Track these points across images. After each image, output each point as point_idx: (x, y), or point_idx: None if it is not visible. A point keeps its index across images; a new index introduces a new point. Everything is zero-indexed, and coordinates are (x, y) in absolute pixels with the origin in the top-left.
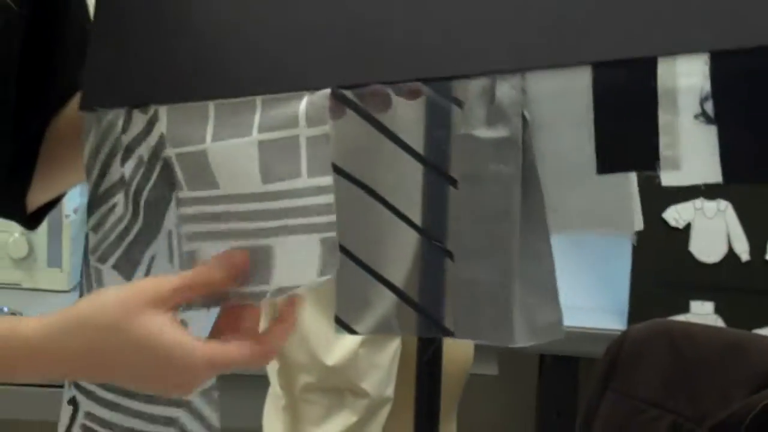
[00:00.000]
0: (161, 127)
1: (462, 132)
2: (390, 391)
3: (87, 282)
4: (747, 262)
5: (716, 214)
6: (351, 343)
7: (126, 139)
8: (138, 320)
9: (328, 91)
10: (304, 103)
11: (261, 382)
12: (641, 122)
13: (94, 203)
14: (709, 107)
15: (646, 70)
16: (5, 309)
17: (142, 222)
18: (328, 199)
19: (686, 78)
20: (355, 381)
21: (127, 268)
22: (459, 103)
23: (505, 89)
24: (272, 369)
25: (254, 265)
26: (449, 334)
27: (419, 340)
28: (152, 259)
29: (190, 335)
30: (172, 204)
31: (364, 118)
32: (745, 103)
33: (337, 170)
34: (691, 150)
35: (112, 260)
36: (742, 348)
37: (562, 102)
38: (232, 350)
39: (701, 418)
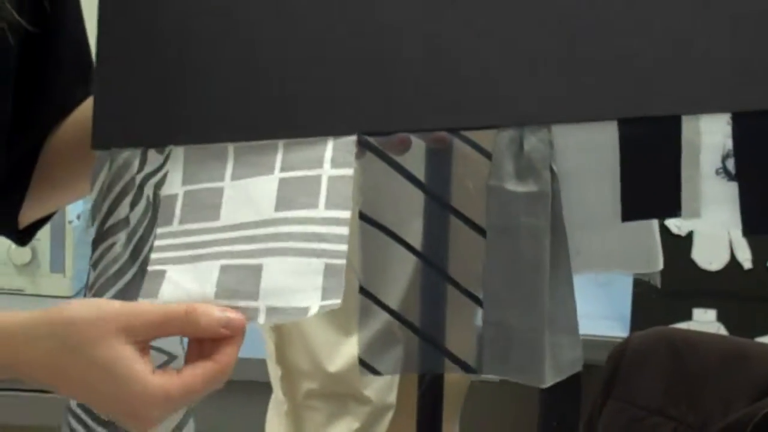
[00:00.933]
0: (172, 165)
1: (492, 183)
2: (392, 398)
3: None
4: (749, 270)
5: None
6: (353, 350)
7: (139, 178)
8: (102, 344)
9: (354, 137)
10: (329, 149)
11: (264, 389)
12: (665, 175)
13: (97, 240)
14: (731, 164)
15: (671, 126)
16: None
17: (139, 268)
18: (343, 230)
19: (709, 135)
20: (357, 387)
21: None
22: (487, 155)
23: (533, 142)
24: (275, 375)
25: (238, 281)
26: (473, 371)
27: None
28: None
29: (148, 368)
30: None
31: (387, 163)
32: (765, 162)
33: (362, 216)
34: (712, 203)
35: (106, 297)
36: (744, 356)
37: (586, 153)
38: (187, 379)
39: (703, 426)
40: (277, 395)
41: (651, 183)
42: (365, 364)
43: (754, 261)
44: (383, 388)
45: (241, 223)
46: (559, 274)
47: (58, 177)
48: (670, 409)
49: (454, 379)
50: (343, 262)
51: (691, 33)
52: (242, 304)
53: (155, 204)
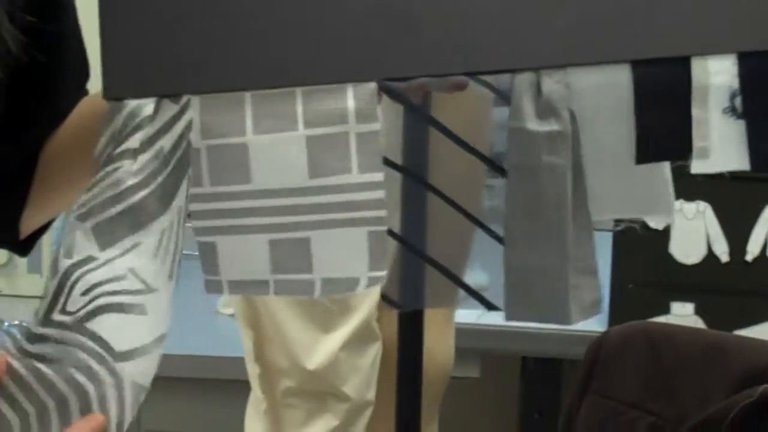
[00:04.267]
0: (191, 115)
1: (513, 125)
2: (371, 395)
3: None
4: (726, 264)
5: (695, 216)
6: (332, 347)
7: (152, 129)
8: None
9: (374, 84)
10: (351, 98)
11: (242, 387)
12: (676, 116)
13: (97, 169)
14: (738, 103)
15: (681, 68)
16: None
17: (138, 205)
18: (379, 194)
19: (717, 76)
20: (336, 385)
21: (104, 238)
22: (505, 97)
23: (550, 84)
24: (253, 373)
25: (291, 257)
26: (495, 308)
27: (400, 344)
28: (135, 245)
29: None
30: (176, 202)
31: (413, 111)
32: None
33: (386, 161)
34: (720, 141)
35: (92, 221)
36: (722, 349)
37: (602, 95)
38: None
39: (681, 419)
40: (256, 394)
41: (663, 126)
42: (386, 299)
43: (731, 254)
44: (362, 385)
45: (276, 189)
46: (579, 215)
47: (57, 180)
48: (648, 403)
49: (432, 374)
50: (384, 228)
51: None
52: (297, 277)
53: (180, 158)
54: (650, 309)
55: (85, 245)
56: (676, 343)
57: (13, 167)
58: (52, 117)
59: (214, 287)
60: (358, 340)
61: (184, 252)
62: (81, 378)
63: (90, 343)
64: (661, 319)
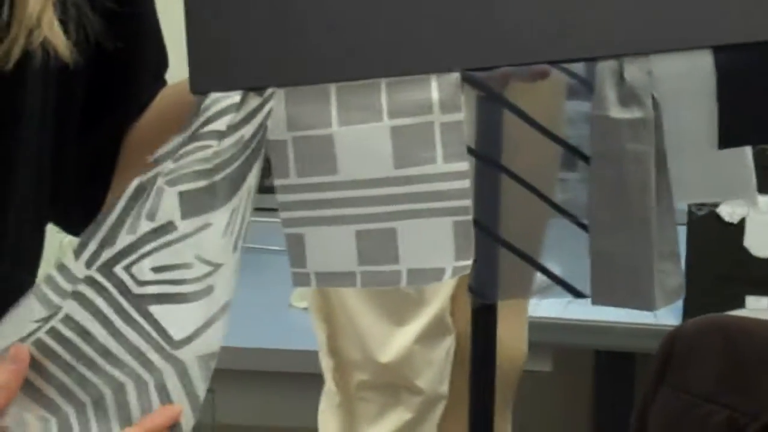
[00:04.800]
0: (274, 106)
1: (596, 113)
2: (444, 388)
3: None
4: None
5: None
6: (405, 341)
7: (237, 117)
8: None
9: (458, 74)
10: (435, 89)
11: (316, 380)
12: (759, 101)
13: (183, 144)
14: None
15: (763, 52)
16: None
17: (217, 185)
18: (464, 184)
19: None
20: (409, 378)
21: (188, 206)
22: (588, 85)
23: (633, 71)
24: (327, 367)
25: (378, 247)
26: (582, 295)
27: (473, 337)
28: (206, 225)
29: None
30: (245, 184)
31: (495, 100)
32: None
33: (470, 151)
34: None
35: (181, 187)
36: None
37: (683, 82)
38: None
39: (757, 413)
40: (329, 387)
41: (746, 110)
42: (474, 291)
43: None
44: (435, 379)
45: (363, 180)
46: (662, 201)
47: (140, 169)
48: (723, 396)
49: (505, 368)
50: (469, 218)
51: None
52: (384, 268)
53: (255, 147)
54: (725, 303)
55: (169, 209)
56: (752, 336)
57: (96, 156)
58: (133, 105)
59: (301, 279)
60: (431, 334)
61: (259, 246)
62: (138, 368)
63: (148, 329)
64: (735, 312)
